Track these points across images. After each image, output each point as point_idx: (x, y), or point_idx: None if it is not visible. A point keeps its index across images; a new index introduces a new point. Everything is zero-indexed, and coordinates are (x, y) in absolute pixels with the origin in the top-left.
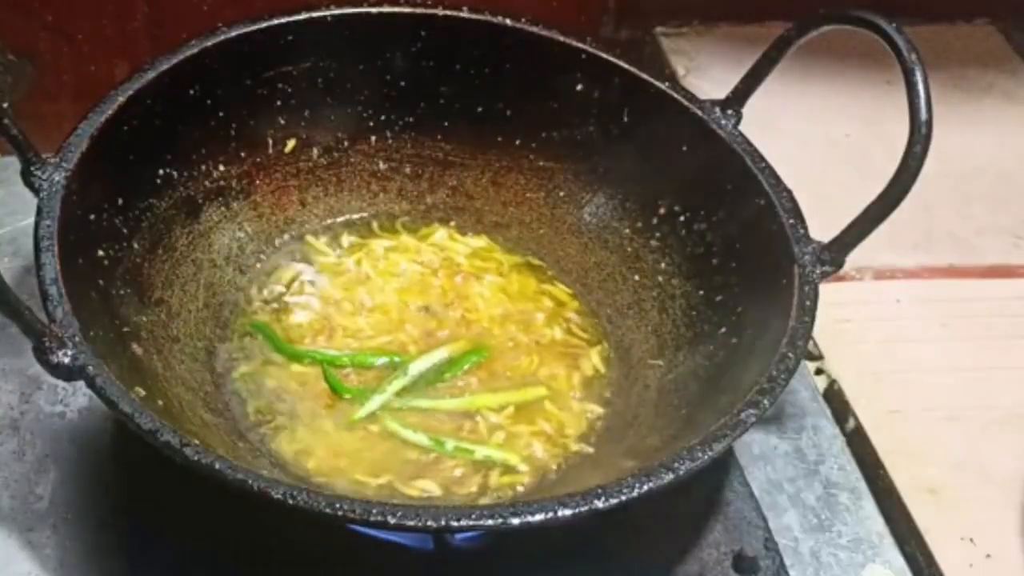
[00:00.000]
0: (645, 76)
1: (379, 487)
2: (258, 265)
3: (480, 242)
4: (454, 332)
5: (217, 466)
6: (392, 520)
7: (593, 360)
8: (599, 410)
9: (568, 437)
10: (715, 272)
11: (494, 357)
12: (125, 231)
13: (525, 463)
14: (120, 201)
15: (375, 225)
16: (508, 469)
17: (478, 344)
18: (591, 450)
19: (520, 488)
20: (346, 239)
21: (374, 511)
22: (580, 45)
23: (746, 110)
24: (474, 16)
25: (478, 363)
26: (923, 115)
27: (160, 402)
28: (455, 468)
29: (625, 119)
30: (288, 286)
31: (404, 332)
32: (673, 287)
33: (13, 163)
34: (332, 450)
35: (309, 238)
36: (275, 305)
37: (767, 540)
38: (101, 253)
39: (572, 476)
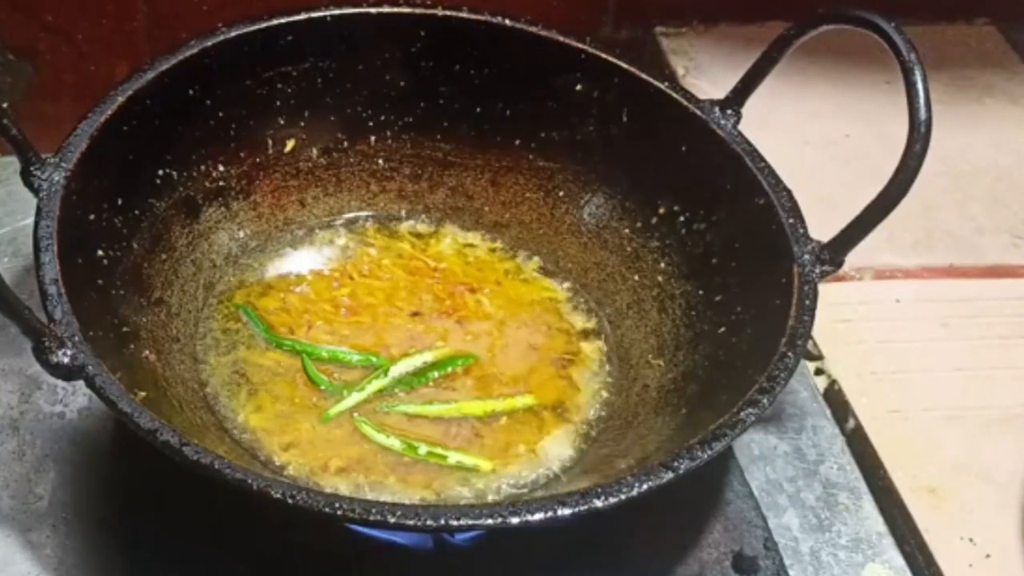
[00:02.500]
0: (644, 76)
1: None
2: (256, 265)
3: (480, 246)
4: (443, 338)
5: (217, 466)
6: (392, 519)
7: (592, 360)
8: (598, 410)
9: (566, 438)
10: (714, 272)
11: (488, 363)
12: (125, 231)
13: (498, 468)
14: (120, 201)
15: (374, 227)
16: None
17: (464, 351)
18: (590, 450)
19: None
20: (344, 240)
21: (373, 510)
22: (580, 45)
23: (746, 110)
24: (474, 16)
25: (465, 367)
26: (922, 115)
27: (160, 402)
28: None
29: (624, 119)
30: (280, 280)
31: (389, 335)
32: (673, 287)
33: (13, 163)
34: (308, 444)
35: (307, 237)
36: (256, 297)
37: (767, 540)
38: (101, 253)
39: (571, 476)
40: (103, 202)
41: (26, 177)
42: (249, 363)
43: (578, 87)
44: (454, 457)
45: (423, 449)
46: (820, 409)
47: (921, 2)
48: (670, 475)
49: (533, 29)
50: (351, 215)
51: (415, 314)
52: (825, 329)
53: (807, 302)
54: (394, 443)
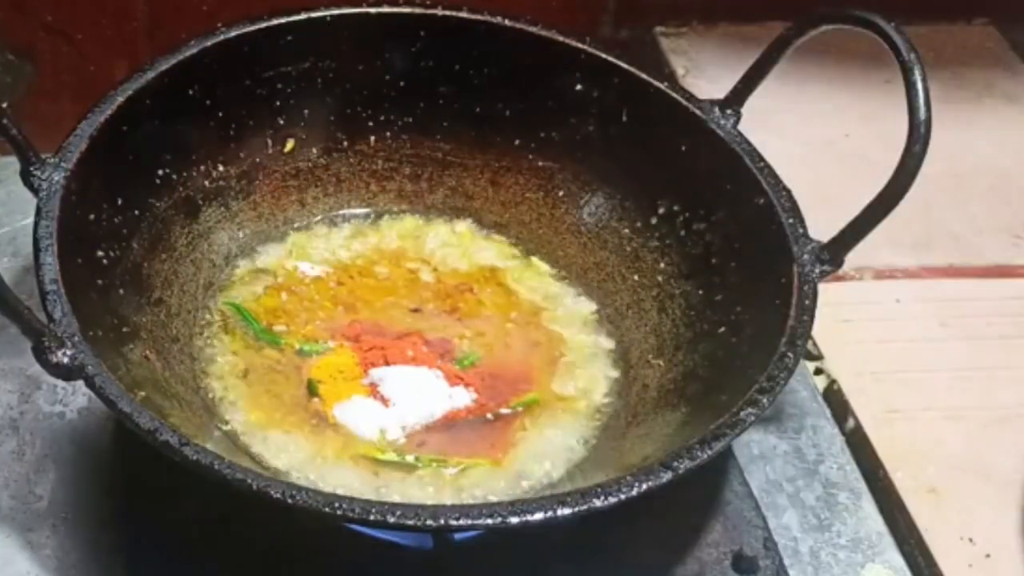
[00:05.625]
0: (644, 76)
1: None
2: (256, 264)
3: (480, 245)
4: (444, 336)
5: (217, 466)
6: (391, 519)
7: (592, 361)
8: (598, 410)
9: (566, 439)
10: (714, 272)
11: (488, 362)
12: (124, 231)
13: (498, 468)
14: (119, 201)
15: (374, 226)
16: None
17: (467, 351)
18: (590, 450)
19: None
20: (343, 239)
21: (373, 510)
22: (579, 45)
23: (745, 110)
24: (473, 16)
25: (468, 366)
26: (922, 114)
27: (160, 402)
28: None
29: (624, 119)
30: (280, 280)
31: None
32: (672, 287)
33: (12, 163)
34: (308, 444)
35: (306, 234)
36: (259, 292)
37: (766, 540)
38: (100, 253)
39: (571, 476)
40: (103, 202)
41: (26, 177)
42: (248, 363)
43: (578, 87)
44: (454, 459)
45: (423, 456)
46: (820, 409)
47: (921, 2)
48: (670, 475)
49: (533, 29)
50: (351, 214)
51: (415, 311)
52: (825, 329)
53: (807, 302)
54: (390, 456)
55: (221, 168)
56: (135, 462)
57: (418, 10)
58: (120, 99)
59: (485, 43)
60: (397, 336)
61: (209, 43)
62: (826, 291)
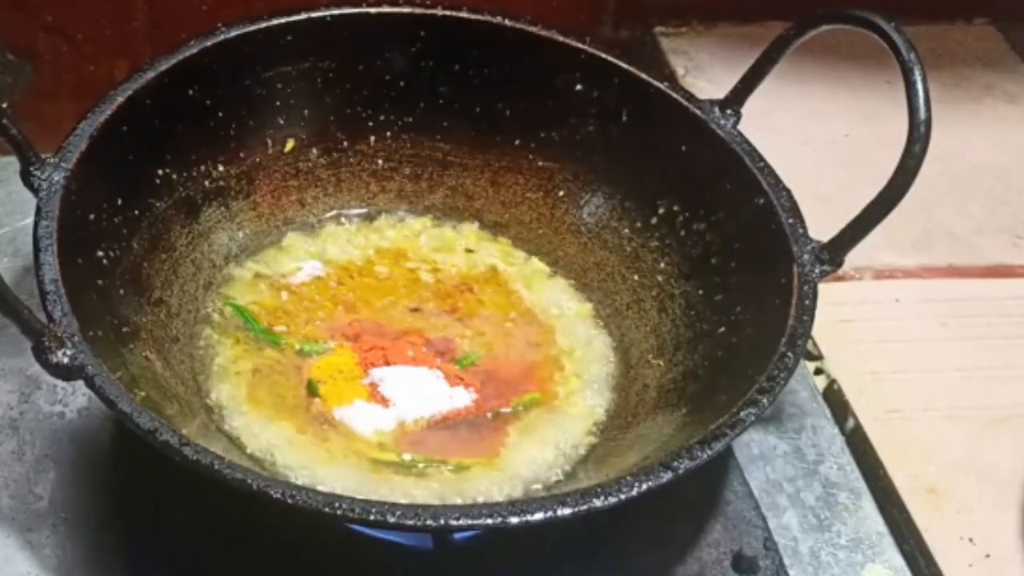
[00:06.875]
0: (644, 76)
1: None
2: (256, 264)
3: (480, 245)
4: (444, 335)
5: (217, 466)
6: (391, 519)
7: (592, 360)
8: (598, 410)
9: (566, 439)
10: (714, 272)
11: (487, 362)
12: (124, 231)
13: (498, 468)
14: (119, 201)
15: (373, 226)
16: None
17: (467, 351)
18: (590, 450)
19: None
20: (343, 239)
21: (373, 510)
22: (579, 45)
23: (745, 110)
24: (473, 16)
25: (468, 366)
26: (922, 114)
27: (160, 402)
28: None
29: (624, 119)
30: (279, 279)
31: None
32: (672, 287)
33: (12, 163)
34: (308, 443)
35: (306, 234)
36: (259, 293)
37: (766, 540)
38: (100, 253)
39: (571, 476)
40: (103, 202)
41: (26, 177)
42: (249, 363)
43: (578, 87)
44: (453, 460)
45: (421, 456)
46: (820, 409)
47: (921, 2)
48: (670, 475)
49: (533, 29)
50: (351, 214)
51: (415, 311)
52: (825, 329)
53: (807, 302)
54: (390, 456)
55: (221, 168)
56: (135, 462)
57: (418, 10)
58: (120, 99)
59: (485, 43)
60: (397, 336)
61: (209, 43)
62: (826, 291)
